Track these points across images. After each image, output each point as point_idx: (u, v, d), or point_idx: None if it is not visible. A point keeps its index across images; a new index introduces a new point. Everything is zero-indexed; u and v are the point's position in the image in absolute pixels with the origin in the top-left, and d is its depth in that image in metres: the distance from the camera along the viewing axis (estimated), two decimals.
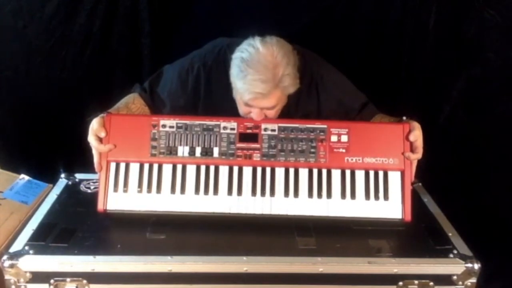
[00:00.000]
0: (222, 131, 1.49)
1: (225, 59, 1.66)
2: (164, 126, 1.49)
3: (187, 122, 1.50)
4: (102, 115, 1.50)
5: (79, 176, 1.68)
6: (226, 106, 1.67)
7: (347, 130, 1.49)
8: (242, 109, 1.57)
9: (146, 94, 1.73)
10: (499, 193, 2.04)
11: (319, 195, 1.46)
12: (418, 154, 1.49)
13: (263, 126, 1.51)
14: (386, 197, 1.47)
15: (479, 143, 2.05)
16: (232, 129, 1.50)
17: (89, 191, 1.60)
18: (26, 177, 1.81)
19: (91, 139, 1.47)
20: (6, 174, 1.82)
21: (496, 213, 2.05)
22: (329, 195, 1.47)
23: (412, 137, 1.48)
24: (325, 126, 1.50)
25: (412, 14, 2.04)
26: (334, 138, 1.49)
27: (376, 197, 1.47)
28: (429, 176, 1.73)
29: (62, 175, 1.68)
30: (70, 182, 1.65)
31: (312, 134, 1.49)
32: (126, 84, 1.96)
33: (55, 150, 2.22)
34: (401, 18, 2.06)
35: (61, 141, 2.21)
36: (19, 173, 1.83)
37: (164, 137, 1.48)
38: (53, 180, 1.71)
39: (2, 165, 1.87)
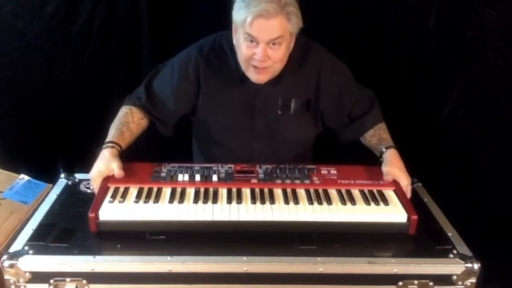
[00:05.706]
0: (220, 169, 1.59)
1: (222, 47, 1.69)
2: (165, 165, 1.59)
3: (187, 165, 1.60)
4: (107, 148, 1.53)
5: (79, 176, 1.67)
6: (224, 94, 1.69)
7: (334, 167, 1.61)
8: (244, 52, 1.54)
9: (142, 101, 1.71)
10: (499, 193, 2.04)
11: (319, 203, 1.46)
12: (404, 182, 1.54)
13: (257, 165, 1.61)
14: (386, 203, 1.47)
15: (479, 143, 2.05)
16: (230, 167, 1.59)
17: (89, 191, 1.60)
18: (26, 177, 1.81)
19: (97, 180, 1.48)
20: (6, 174, 1.82)
21: (496, 213, 2.05)
22: (329, 202, 1.47)
23: (388, 178, 1.55)
24: (314, 166, 1.61)
25: (412, 14, 2.04)
26: (324, 171, 1.59)
27: (376, 203, 1.47)
28: (429, 176, 1.73)
29: (62, 175, 1.67)
30: (70, 182, 1.65)
31: (303, 169, 1.60)
32: (126, 84, 1.96)
33: (55, 150, 2.22)
34: (401, 18, 2.06)
35: (61, 141, 2.21)
36: (19, 173, 1.82)
37: (165, 170, 1.57)
38: (53, 180, 1.71)
39: (2, 165, 1.86)
